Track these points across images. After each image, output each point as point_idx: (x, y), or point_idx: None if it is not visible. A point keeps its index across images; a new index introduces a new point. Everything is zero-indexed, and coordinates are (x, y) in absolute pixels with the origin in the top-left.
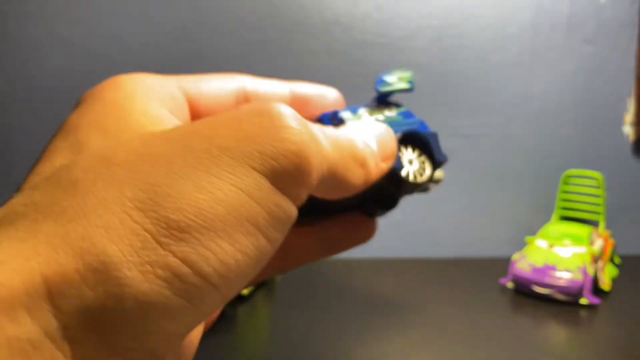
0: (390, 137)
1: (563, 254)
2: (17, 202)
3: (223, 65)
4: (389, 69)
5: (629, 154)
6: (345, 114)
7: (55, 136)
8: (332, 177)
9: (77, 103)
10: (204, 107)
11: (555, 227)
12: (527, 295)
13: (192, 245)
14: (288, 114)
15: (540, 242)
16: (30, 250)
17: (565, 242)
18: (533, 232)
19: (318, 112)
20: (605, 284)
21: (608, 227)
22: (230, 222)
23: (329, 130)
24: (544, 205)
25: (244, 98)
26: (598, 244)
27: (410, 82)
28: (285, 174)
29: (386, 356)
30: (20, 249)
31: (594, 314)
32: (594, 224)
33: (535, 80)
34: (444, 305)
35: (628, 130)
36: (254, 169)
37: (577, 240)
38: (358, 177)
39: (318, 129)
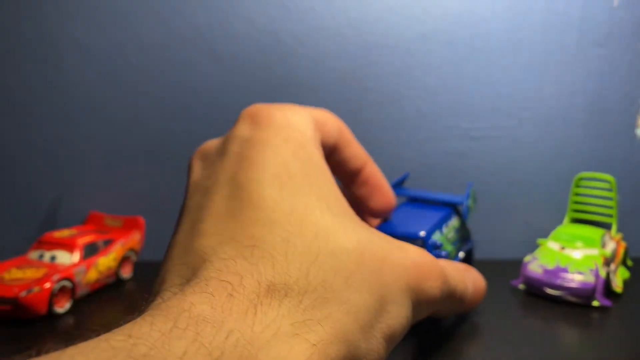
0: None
1: (575, 255)
2: (297, 277)
3: (237, 67)
4: (464, 190)
5: None
6: (436, 238)
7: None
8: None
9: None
10: None
11: (567, 229)
12: (538, 296)
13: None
14: (423, 252)
15: (552, 244)
16: (323, 334)
17: (577, 244)
18: (545, 234)
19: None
20: (618, 286)
21: (620, 229)
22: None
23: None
24: (555, 208)
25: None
26: (611, 246)
27: (475, 199)
28: (426, 300)
29: (396, 356)
30: (317, 331)
31: (605, 316)
32: (606, 226)
33: (546, 83)
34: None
35: None
36: (409, 295)
37: (589, 243)
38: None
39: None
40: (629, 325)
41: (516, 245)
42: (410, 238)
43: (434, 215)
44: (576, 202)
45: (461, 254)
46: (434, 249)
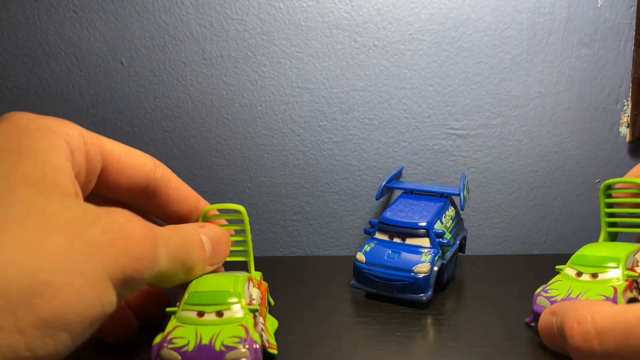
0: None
1: (592, 281)
2: None
3: (228, 67)
4: (459, 180)
5: (625, 155)
6: (438, 227)
7: None
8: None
9: None
10: (117, 171)
11: (592, 249)
12: None
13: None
14: (133, 226)
15: (569, 270)
16: None
17: (597, 266)
18: (528, 230)
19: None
20: None
21: None
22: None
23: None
24: (541, 205)
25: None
26: None
27: (468, 190)
28: (127, 280)
29: (384, 350)
30: None
31: None
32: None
33: (532, 82)
34: (441, 301)
35: (625, 131)
36: (108, 274)
37: (612, 262)
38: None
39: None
40: None
41: (502, 242)
42: (415, 228)
43: (433, 206)
44: (609, 215)
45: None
46: (438, 238)
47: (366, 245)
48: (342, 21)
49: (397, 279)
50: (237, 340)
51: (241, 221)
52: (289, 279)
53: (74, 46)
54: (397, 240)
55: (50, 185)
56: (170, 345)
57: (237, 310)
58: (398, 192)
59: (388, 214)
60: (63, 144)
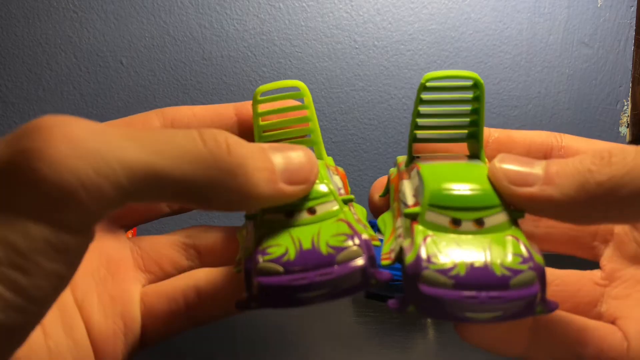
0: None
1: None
2: None
3: (228, 67)
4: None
5: None
6: None
7: None
8: (181, 186)
9: None
10: None
11: None
12: None
13: None
14: (43, 151)
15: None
16: None
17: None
18: None
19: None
20: None
21: None
22: None
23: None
24: None
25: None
26: None
27: None
28: (37, 205)
29: (384, 350)
30: None
31: None
32: None
33: (532, 82)
34: None
35: (624, 131)
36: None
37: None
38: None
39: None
40: None
41: None
42: None
43: None
44: None
45: None
46: None
47: None
48: (342, 21)
49: (397, 279)
50: (344, 237)
51: (301, 100)
52: None
53: (74, 46)
54: None
55: None
56: (267, 257)
57: (329, 203)
58: None
59: None
60: None
